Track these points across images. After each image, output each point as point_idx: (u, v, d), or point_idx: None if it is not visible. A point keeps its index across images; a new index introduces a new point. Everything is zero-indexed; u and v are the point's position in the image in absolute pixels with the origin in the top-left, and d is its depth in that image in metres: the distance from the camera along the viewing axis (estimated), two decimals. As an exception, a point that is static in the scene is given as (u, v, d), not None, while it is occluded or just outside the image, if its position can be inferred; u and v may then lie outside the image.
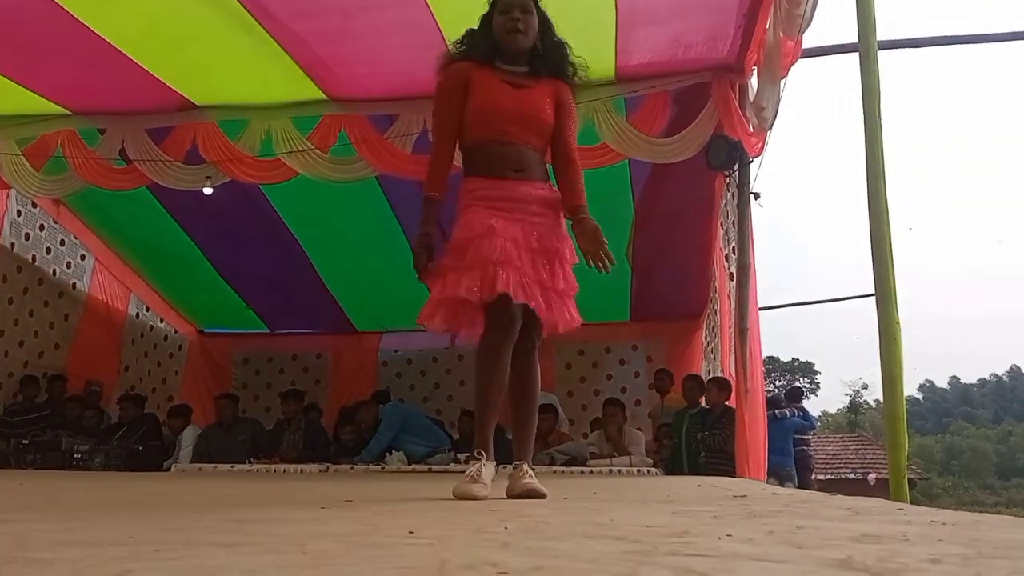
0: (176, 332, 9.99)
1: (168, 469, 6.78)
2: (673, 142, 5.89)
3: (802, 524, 1.42)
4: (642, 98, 6.01)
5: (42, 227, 7.90)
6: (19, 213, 7.59)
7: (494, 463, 2.56)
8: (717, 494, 2.71)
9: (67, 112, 6.50)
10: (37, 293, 7.85)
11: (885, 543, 1.09)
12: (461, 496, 2.29)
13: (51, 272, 8.02)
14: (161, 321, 9.74)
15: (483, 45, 2.75)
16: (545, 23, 2.81)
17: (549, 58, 2.80)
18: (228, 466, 6.49)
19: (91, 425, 7.57)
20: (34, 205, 7.69)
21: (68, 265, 8.26)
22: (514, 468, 2.55)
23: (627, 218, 7.81)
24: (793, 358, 42.88)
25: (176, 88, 6.12)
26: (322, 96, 6.08)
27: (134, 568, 0.91)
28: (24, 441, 6.93)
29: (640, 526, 1.35)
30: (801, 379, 44.08)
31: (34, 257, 7.81)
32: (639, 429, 7.36)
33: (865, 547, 1.02)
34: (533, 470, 2.59)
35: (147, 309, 9.46)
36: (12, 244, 7.52)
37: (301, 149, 6.12)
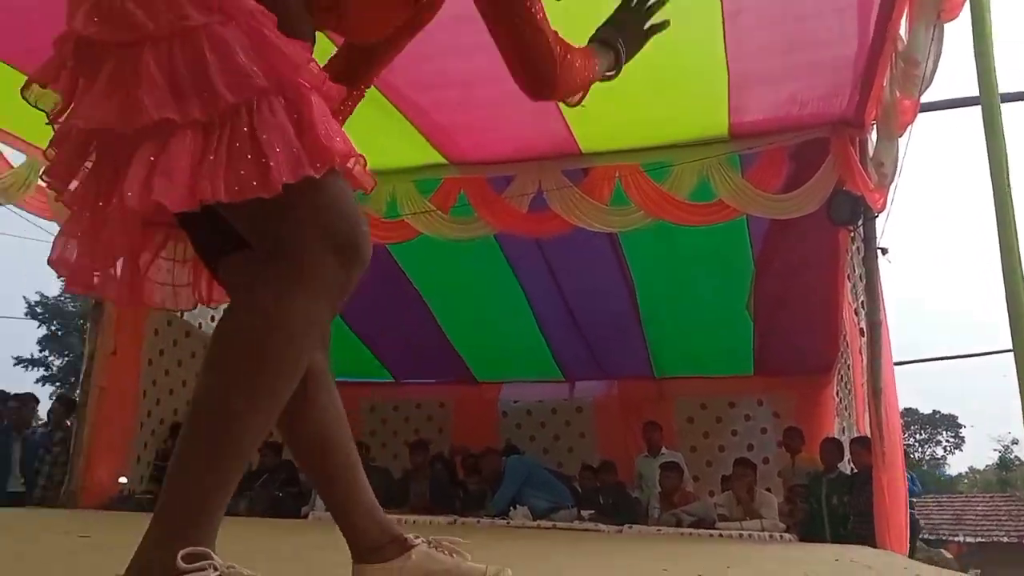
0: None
1: (306, 516, 7.06)
2: (792, 197, 5.81)
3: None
4: (758, 155, 5.97)
5: (191, 285, 8.51)
6: (172, 272, 8.22)
7: None
8: (854, 572, 2.61)
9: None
10: (184, 345, 8.44)
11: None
12: None
13: (197, 325, 8.61)
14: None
15: None
16: None
17: None
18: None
19: (233, 471, 8.00)
20: (184, 264, 8.30)
21: (212, 319, 8.85)
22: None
23: (747, 271, 7.69)
24: (934, 410, 40.13)
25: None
26: (443, 160, 6.40)
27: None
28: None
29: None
30: (944, 433, 41.13)
31: (181, 312, 8.41)
32: (768, 489, 7.12)
33: None
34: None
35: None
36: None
37: (424, 210, 6.41)
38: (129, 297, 1.33)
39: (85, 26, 1.12)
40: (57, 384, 31.83)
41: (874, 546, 5.02)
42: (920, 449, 38.70)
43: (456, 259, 7.60)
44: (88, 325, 7.68)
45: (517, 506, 6.86)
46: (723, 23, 4.49)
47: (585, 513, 6.88)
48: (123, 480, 7.56)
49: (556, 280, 8.30)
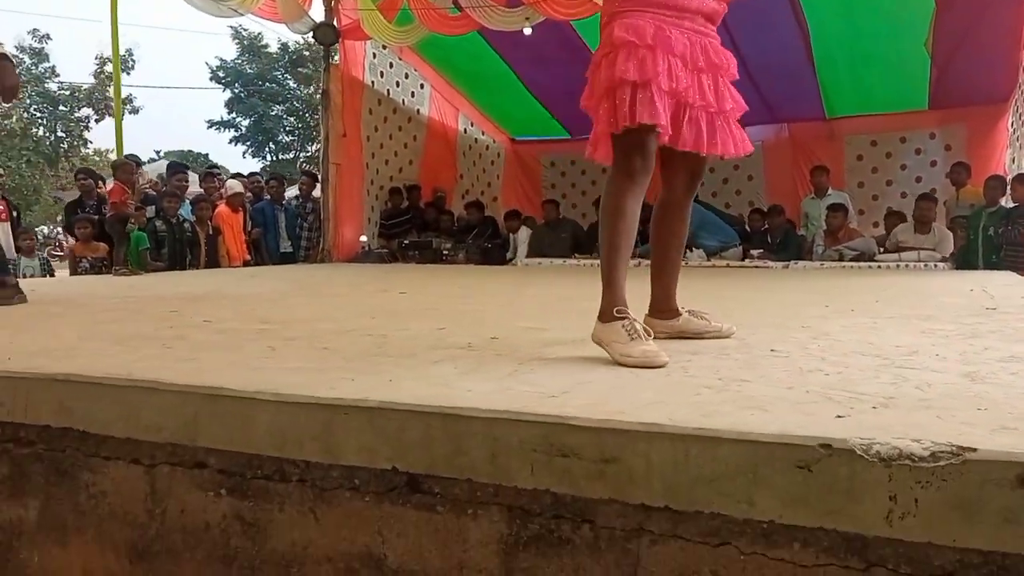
0: (495, 142, 11.59)
1: (512, 263, 8.49)
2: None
3: (1015, 351, 2.25)
4: None
5: (391, 65, 9.53)
6: (374, 56, 9.23)
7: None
8: (975, 305, 3.46)
9: (409, -31, 7.75)
10: (393, 120, 9.65)
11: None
12: (645, 365, 1.86)
13: (401, 102, 9.74)
14: (483, 133, 11.35)
15: None
16: None
17: None
18: (560, 260, 8.03)
19: (447, 226, 9.50)
20: (383, 47, 9.25)
21: (412, 95, 9.94)
22: (664, 319, 2.36)
23: (928, 9, 7.65)
24: None
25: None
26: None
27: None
28: (405, 241, 9.00)
29: (888, 347, 2.29)
30: None
31: (388, 91, 9.53)
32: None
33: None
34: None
35: (472, 124, 11.07)
36: (372, 82, 9.25)
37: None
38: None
39: None
40: (248, 143, 35.20)
41: (1021, 274, 5.71)
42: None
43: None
44: (319, 110, 8.95)
45: (693, 248, 7.88)
46: None
47: (754, 252, 7.83)
48: (363, 239, 9.23)
49: (728, 30, 8.54)
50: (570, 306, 3.52)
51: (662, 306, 2.39)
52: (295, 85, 35.23)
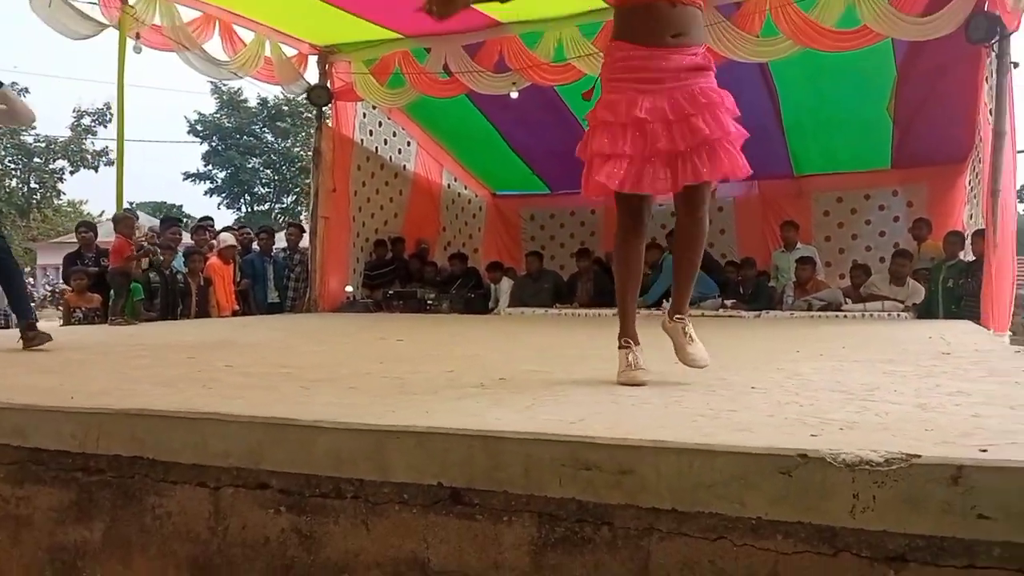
0: (476, 196, 11.98)
1: (495, 312, 8.77)
2: (933, 19, 6.33)
3: (961, 387, 2.56)
4: (903, -23, 6.40)
5: (380, 123, 9.92)
6: (364, 115, 9.61)
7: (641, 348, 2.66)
8: (932, 350, 3.79)
9: (400, 36, 8.17)
10: (380, 175, 10.00)
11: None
12: (627, 383, 2.46)
13: (389, 158, 10.11)
14: (465, 188, 11.74)
15: None
16: None
17: None
18: (542, 310, 8.33)
19: (430, 276, 9.78)
20: (374, 107, 9.64)
21: (399, 151, 10.32)
22: (675, 321, 2.67)
23: (889, 77, 8.21)
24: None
25: (483, 10, 7.49)
26: (603, 5, 7.15)
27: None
28: (389, 291, 9.26)
29: (853, 385, 2.59)
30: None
31: (376, 148, 9.89)
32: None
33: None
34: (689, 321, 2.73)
35: (455, 179, 11.46)
36: (362, 139, 9.61)
37: (588, 53, 7.30)
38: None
39: None
40: (224, 195, 35.48)
41: (977, 323, 6.09)
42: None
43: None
44: (311, 167, 9.27)
45: (669, 299, 8.20)
46: None
47: (728, 302, 8.18)
48: (349, 289, 9.48)
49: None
50: (563, 351, 3.80)
51: (671, 309, 2.75)
52: (273, 138, 35.79)
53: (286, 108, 33.35)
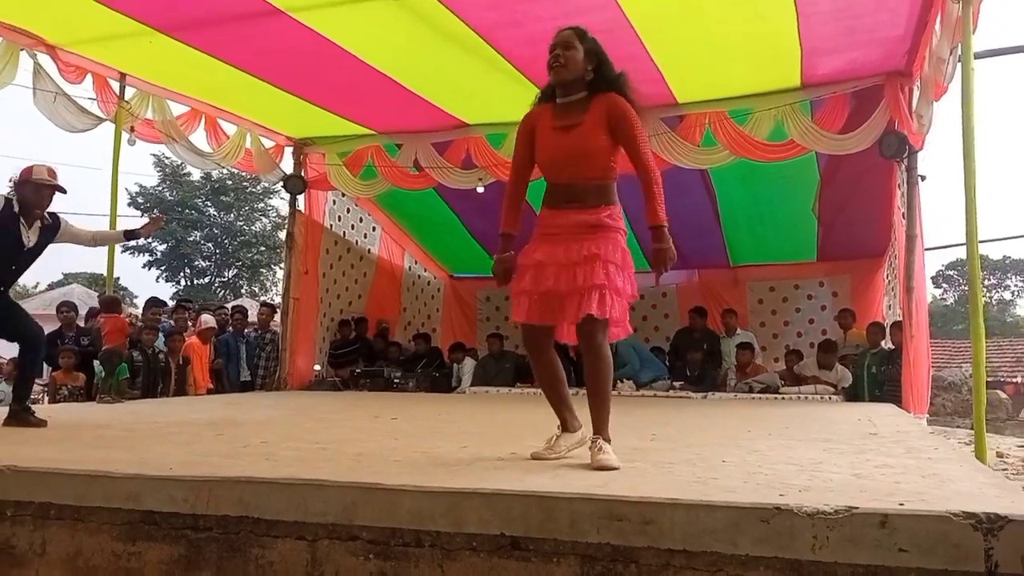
0: (435, 278, 12.57)
1: (459, 391, 9.24)
2: (851, 136, 7.27)
3: (886, 461, 3.20)
4: (824, 100, 7.39)
5: (348, 210, 10.50)
6: (334, 202, 10.18)
7: (573, 433, 3.16)
8: (861, 430, 4.46)
9: (373, 132, 8.84)
10: (347, 258, 10.52)
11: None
12: (535, 458, 3.03)
13: (355, 242, 10.66)
14: (425, 270, 12.33)
15: (547, 86, 3.30)
16: (598, 56, 3.17)
17: (604, 79, 3.17)
18: (505, 389, 8.85)
19: (394, 355, 10.23)
20: (343, 194, 10.21)
21: (365, 236, 10.88)
22: (591, 443, 2.99)
23: (813, 181, 9.20)
24: (1004, 256, 40.37)
25: (452, 113, 8.25)
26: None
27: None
28: (357, 369, 9.66)
29: (802, 459, 3.20)
30: (1013, 278, 41.95)
31: (344, 232, 10.44)
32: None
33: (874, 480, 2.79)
34: (607, 441, 2.97)
35: (416, 262, 12.06)
36: (331, 224, 10.15)
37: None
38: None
39: None
40: (163, 268, 35.24)
41: (899, 406, 6.87)
42: (988, 294, 39.58)
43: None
44: (284, 252, 9.74)
45: (624, 380, 8.84)
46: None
47: (676, 383, 8.85)
48: (317, 367, 9.86)
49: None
50: (551, 429, 4.33)
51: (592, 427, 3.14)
52: (216, 212, 35.93)
53: (230, 182, 33.71)
